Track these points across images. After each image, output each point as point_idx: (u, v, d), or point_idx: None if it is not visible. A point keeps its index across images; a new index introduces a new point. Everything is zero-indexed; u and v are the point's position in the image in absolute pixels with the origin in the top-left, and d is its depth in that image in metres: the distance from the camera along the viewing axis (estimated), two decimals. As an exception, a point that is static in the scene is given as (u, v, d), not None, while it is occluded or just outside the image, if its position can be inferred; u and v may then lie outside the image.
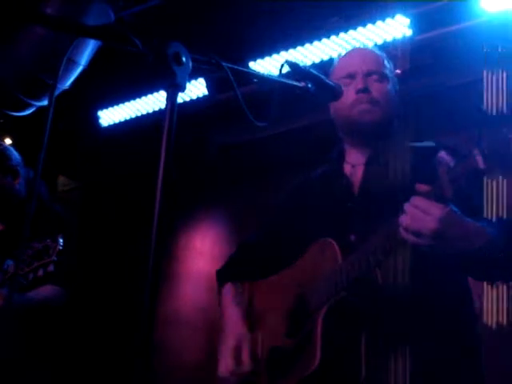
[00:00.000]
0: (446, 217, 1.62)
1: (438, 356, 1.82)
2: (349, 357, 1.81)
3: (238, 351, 2.07)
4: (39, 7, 3.02)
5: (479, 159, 1.53)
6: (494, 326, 2.73)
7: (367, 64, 2.12)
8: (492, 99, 1.80)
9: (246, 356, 2.06)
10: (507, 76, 1.87)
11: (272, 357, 2.05)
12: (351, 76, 2.11)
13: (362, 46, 3.37)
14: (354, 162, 2.13)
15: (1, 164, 3.05)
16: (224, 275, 2.35)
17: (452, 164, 1.60)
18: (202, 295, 4.70)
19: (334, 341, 1.84)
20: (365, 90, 2.06)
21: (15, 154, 3.12)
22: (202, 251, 4.95)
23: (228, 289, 2.29)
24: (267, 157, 4.44)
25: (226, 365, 2.07)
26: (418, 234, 1.64)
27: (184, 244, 5.08)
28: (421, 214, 1.63)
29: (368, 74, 2.10)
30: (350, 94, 2.07)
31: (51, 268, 2.43)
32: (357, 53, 2.28)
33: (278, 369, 2.02)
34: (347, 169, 2.14)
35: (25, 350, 2.79)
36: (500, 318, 2.72)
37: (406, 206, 1.66)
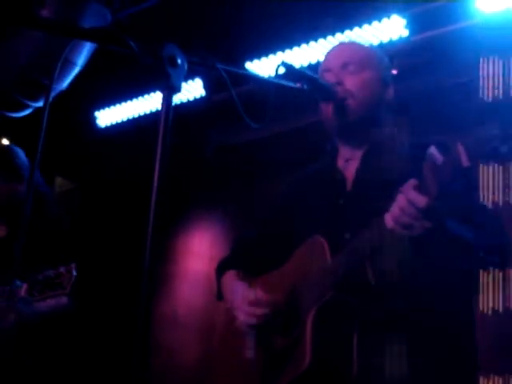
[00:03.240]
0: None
1: (431, 355, 1.81)
2: (340, 356, 1.78)
3: (251, 294, 2.03)
4: (35, 10, 3.02)
5: (463, 156, 1.50)
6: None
7: (342, 56, 2.08)
8: (488, 87, 1.79)
9: (261, 295, 2.00)
10: (503, 64, 1.86)
11: (265, 357, 2.02)
12: (328, 70, 2.07)
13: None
14: (347, 157, 2.09)
15: (7, 168, 3.00)
16: (225, 265, 2.31)
17: (440, 161, 1.56)
18: (199, 296, 4.70)
19: (325, 341, 1.81)
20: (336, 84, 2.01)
21: (22, 157, 3.04)
22: (200, 252, 4.95)
23: (230, 274, 2.25)
24: (264, 158, 4.44)
25: (242, 307, 2.02)
26: (408, 226, 1.61)
27: (182, 245, 5.08)
28: (412, 207, 1.59)
29: (344, 66, 2.05)
30: None
31: (64, 300, 2.36)
32: (335, 47, 2.22)
33: (270, 369, 1.99)
34: (340, 163, 2.10)
35: (30, 360, 2.76)
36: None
37: (399, 196, 1.62)
